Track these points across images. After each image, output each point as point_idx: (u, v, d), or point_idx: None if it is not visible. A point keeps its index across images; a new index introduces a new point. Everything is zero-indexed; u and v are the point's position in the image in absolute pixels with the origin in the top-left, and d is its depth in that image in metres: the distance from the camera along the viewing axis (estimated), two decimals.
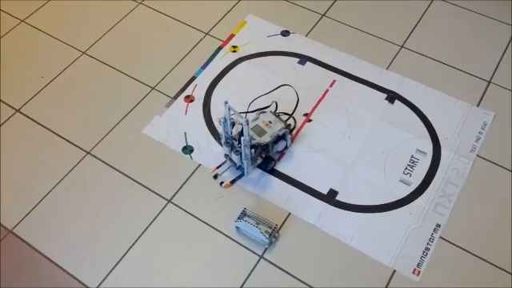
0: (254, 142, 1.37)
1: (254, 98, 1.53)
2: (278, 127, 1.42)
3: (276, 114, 1.46)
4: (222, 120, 1.34)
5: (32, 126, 1.58)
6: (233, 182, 1.44)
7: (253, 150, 1.36)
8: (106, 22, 1.85)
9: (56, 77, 1.70)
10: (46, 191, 1.45)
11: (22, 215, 1.41)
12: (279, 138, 1.42)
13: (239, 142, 1.36)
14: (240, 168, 1.44)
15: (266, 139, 1.39)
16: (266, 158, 1.44)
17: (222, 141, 1.40)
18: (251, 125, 1.40)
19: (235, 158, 1.40)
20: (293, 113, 1.52)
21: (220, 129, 1.38)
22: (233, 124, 1.37)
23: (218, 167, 1.46)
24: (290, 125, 1.48)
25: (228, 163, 1.45)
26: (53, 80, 1.69)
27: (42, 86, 1.68)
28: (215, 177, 1.45)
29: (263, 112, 1.47)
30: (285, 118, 1.49)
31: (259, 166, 1.46)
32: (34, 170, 1.50)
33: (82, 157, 1.51)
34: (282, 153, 1.50)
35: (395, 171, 1.46)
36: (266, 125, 1.41)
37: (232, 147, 1.39)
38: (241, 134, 1.34)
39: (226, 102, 1.31)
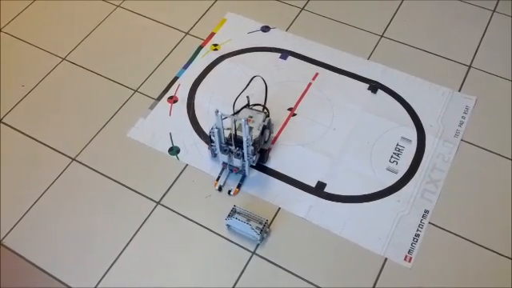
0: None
1: (235, 99, 1.53)
2: (260, 119, 1.43)
3: (250, 108, 1.47)
4: (216, 130, 1.33)
5: (15, 136, 1.57)
6: (239, 186, 1.43)
7: (252, 148, 1.36)
8: (85, 27, 1.84)
9: (37, 85, 1.69)
10: (33, 200, 1.44)
11: (10, 226, 1.40)
12: (264, 128, 1.43)
13: (236, 146, 1.36)
14: (240, 171, 1.43)
15: (256, 133, 1.40)
16: (261, 151, 1.45)
17: (217, 151, 1.39)
18: (236, 126, 1.39)
19: (237, 162, 1.39)
20: (265, 102, 1.52)
21: (214, 138, 1.37)
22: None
23: (217, 179, 1.44)
24: (266, 112, 1.50)
25: (226, 171, 1.45)
26: (34, 88, 1.68)
27: (24, 94, 1.66)
28: (220, 189, 1.43)
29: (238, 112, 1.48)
30: (259, 108, 1.51)
31: (258, 161, 1.46)
32: (20, 179, 1.48)
33: (67, 164, 1.50)
34: (273, 140, 1.51)
35: (381, 160, 1.47)
36: (249, 121, 1.41)
37: (230, 153, 1.39)
38: (235, 137, 1.35)
39: (217, 111, 1.29)
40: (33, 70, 1.72)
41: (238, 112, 1.48)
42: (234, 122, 1.35)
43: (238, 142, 1.36)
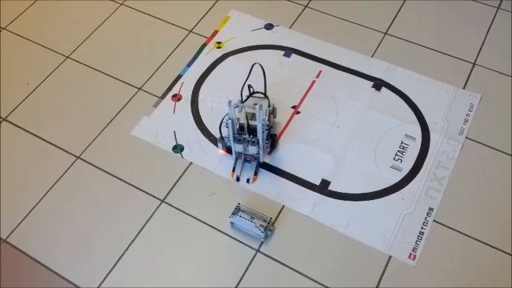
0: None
1: (242, 88, 1.53)
2: (265, 104, 1.45)
3: (253, 96, 1.49)
4: (230, 121, 1.34)
5: (20, 134, 1.57)
6: (256, 173, 1.45)
7: (267, 132, 1.40)
8: (89, 25, 1.84)
9: (41, 83, 1.69)
10: (37, 198, 1.44)
11: (15, 224, 1.40)
12: (270, 113, 1.46)
13: (249, 134, 1.38)
14: (254, 159, 1.44)
15: (266, 118, 1.42)
16: (270, 136, 1.47)
17: (231, 142, 1.40)
18: (242, 115, 1.40)
19: (253, 149, 1.40)
20: (265, 90, 1.52)
21: (226, 131, 1.38)
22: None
23: (233, 170, 1.45)
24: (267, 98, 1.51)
25: (240, 161, 1.46)
26: (38, 86, 1.68)
27: (28, 92, 1.67)
28: (238, 179, 1.44)
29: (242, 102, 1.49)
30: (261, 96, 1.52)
31: (270, 146, 1.48)
32: (25, 177, 1.49)
33: (72, 162, 1.50)
34: (277, 138, 1.52)
35: (386, 158, 1.47)
36: (254, 108, 1.42)
37: (244, 142, 1.40)
38: (248, 127, 1.38)
39: (230, 102, 1.30)
40: (37, 69, 1.72)
41: (244, 102, 1.49)
42: (245, 111, 1.37)
43: (251, 130, 1.38)
